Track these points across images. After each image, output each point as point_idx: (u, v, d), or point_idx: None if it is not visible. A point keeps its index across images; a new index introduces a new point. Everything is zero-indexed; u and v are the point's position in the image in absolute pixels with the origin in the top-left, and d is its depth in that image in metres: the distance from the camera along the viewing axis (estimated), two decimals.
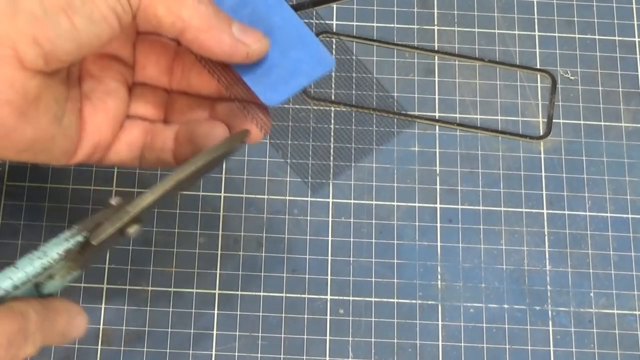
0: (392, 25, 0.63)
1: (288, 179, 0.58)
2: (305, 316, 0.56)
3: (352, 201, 0.58)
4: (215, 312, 0.56)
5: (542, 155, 0.60)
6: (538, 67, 0.62)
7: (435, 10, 0.63)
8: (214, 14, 0.44)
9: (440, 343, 0.55)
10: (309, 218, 0.58)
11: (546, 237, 0.58)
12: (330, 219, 0.58)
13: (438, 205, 0.58)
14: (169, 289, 0.56)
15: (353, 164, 0.50)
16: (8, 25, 0.39)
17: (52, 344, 0.43)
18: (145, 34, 0.47)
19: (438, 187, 0.59)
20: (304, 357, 0.55)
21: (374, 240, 0.57)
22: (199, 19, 0.43)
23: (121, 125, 0.47)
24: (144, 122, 0.48)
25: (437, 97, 0.61)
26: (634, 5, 0.64)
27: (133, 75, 0.48)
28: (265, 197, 0.58)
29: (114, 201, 0.43)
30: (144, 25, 0.44)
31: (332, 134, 0.59)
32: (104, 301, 0.55)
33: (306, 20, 0.47)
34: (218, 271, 0.56)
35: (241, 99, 0.46)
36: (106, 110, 0.46)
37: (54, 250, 0.41)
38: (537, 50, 0.62)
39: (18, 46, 0.40)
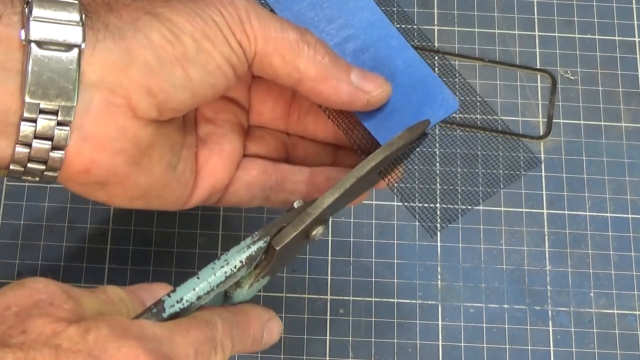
0: None
1: None
2: (305, 316, 0.56)
3: None
4: None
5: (542, 155, 0.60)
6: (538, 67, 0.62)
7: (435, 10, 0.63)
8: (330, 63, 0.43)
9: (440, 343, 0.55)
10: None
11: (546, 237, 0.58)
12: (330, 218, 0.58)
13: (438, 205, 0.58)
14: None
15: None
16: (122, 75, 0.39)
17: (245, 351, 0.42)
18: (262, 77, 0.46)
19: (438, 187, 0.59)
20: (304, 357, 0.55)
21: (374, 240, 0.57)
22: (316, 69, 0.42)
23: (237, 166, 0.46)
24: (262, 161, 0.47)
25: None
26: (634, 5, 0.64)
27: (248, 116, 0.48)
28: None
29: (296, 204, 0.43)
30: (259, 74, 0.43)
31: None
32: None
33: None
34: None
35: (361, 146, 0.45)
36: (221, 153, 0.45)
37: (236, 258, 0.41)
38: (537, 50, 0.62)
39: (131, 96, 0.39)
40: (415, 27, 0.50)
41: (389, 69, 0.45)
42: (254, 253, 0.41)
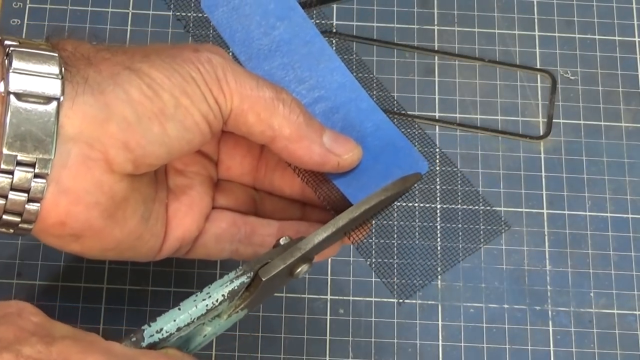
0: (392, 25, 0.63)
1: None
2: (305, 316, 0.56)
3: None
4: None
5: (542, 155, 0.60)
6: (538, 67, 0.62)
7: (435, 10, 0.63)
8: (305, 123, 0.43)
9: (440, 343, 0.55)
10: None
11: (546, 237, 0.58)
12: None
13: (438, 205, 0.58)
14: (169, 289, 0.56)
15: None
16: (100, 129, 0.39)
17: None
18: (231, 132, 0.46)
19: (438, 187, 0.59)
20: (304, 357, 0.55)
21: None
22: (290, 128, 0.43)
23: (207, 218, 0.46)
24: (231, 214, 0.47)
25: (437, 97, 0.61)
26: (634, 5, 0.64)
27: (217, 170, 0.48)
28: None
29: (282, 240, 0.43)
30: (233, 131, 0.43)
31: None
32: (104, 301, 0.55)
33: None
34: (218, 271, 0.56)
35: (330, 203, 0.45)
36: (191, 205, 0.46)
37: (219, 291, 0.41)
38: (537, 50, 0.62)
39: (108, 150, 0.39)
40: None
41: (358, 130, 0.45)
42: (236, 287, 0.41)
